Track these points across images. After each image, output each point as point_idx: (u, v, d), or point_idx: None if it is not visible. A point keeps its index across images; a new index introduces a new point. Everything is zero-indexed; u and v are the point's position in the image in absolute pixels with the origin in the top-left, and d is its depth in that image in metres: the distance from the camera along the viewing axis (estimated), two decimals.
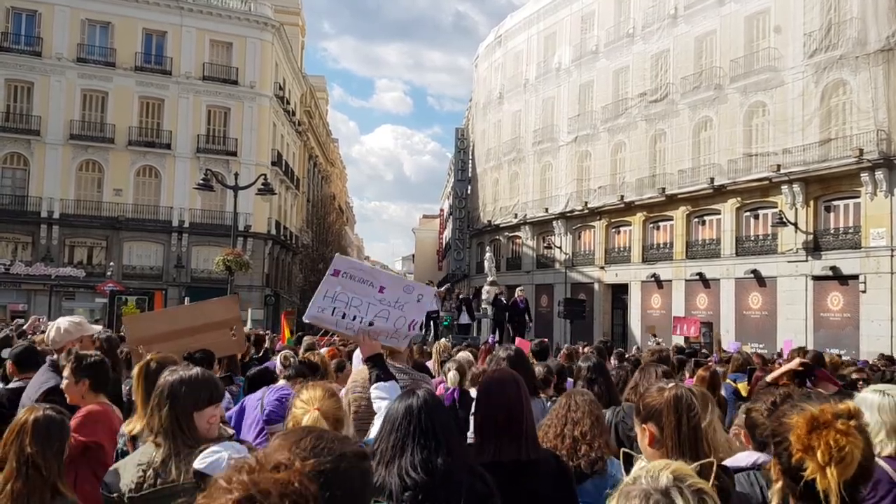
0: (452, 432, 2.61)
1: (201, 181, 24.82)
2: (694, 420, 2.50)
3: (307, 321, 3.98)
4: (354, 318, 3.79)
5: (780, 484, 1.98)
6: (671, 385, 2.53)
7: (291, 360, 6.94)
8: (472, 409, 3.35)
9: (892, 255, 25.84)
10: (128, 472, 2.84)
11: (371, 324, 3.80)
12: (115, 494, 2.79)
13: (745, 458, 3.02)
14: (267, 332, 17.34)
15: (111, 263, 40.12)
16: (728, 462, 2.83)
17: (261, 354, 10.22)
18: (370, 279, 3.85)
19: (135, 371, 3.80)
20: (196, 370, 3.08)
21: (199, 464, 2.70)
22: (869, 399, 3.24)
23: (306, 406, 3.00)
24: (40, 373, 4.60)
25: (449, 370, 6.11)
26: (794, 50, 29.16)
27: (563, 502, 2.98)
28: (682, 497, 1.55)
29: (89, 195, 41.69)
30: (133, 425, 3.58)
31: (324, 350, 7.59)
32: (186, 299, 31.30)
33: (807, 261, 28.45)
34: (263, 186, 25.15)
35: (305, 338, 10.05)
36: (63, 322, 4.79)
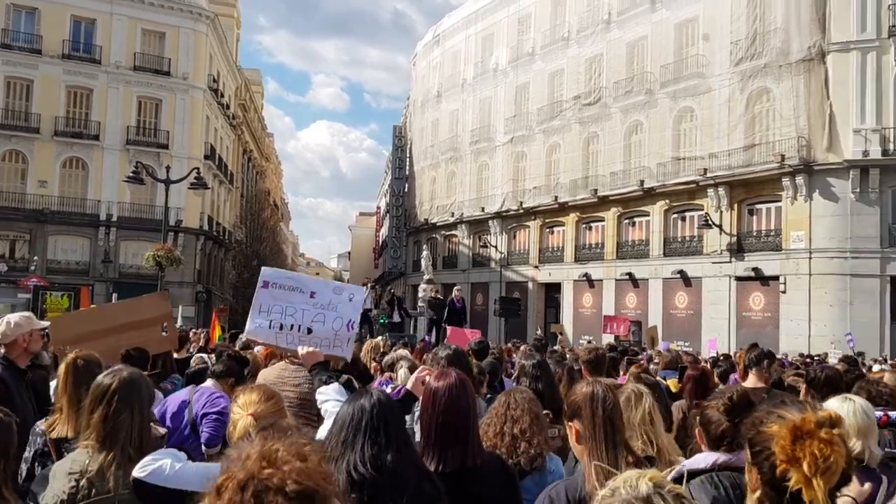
0: (403, 432, 2.60)
1: (131, 174, 24.38)
2: (609, 411, 2.65)
3: (246, 338, 3.99)
4: (292, 326, 3.80)
5: (757, 493, 1.92)
6: (589, 381, 2.66)
7: (207, 360, 6.90)
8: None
9: (810, 258, 27.01)
10: (57, 480, 2.67)
11: (310, 330, 3.82)
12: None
13: (703, 459, 2.97)
14: (200, 329, 17.07)
15: (35, 257, 38.77)
16: (687, 464, 2.88)
17: (187, 354, 10.04)
18: (299, 286, 3.87)
19: (61, 369, 3.67)
20: (134, 371, 2.97)
21: (139, 472, 2.57)
22: (835, 407, 3.51)
23: (241, 411, 2.97)
24: None
25: (401, 367, 6.18)
26: (721, 58, 30.16)
27: (507, 503, 3.02)
28: (664, 502, 1.58)
29: (12, 186, 40.13)
30: (57, 427, 3.41)
31: (259, 349, 7.56)
32: (114, 295, 30.52)
33: (730, 262, 29.48)
34: (196, 180, 24.73)
35: (242, 335, 9.95)
36: (13, 316, 4.72)
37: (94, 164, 41.54)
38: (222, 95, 50.62)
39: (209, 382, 5.33)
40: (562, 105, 37.98)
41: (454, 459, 2.86)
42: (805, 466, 1.68)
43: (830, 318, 26.39)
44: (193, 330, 16.68)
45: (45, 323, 5.00)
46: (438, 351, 5.21)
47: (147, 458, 2.61)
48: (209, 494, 1.30)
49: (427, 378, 3.19)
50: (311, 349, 3.75)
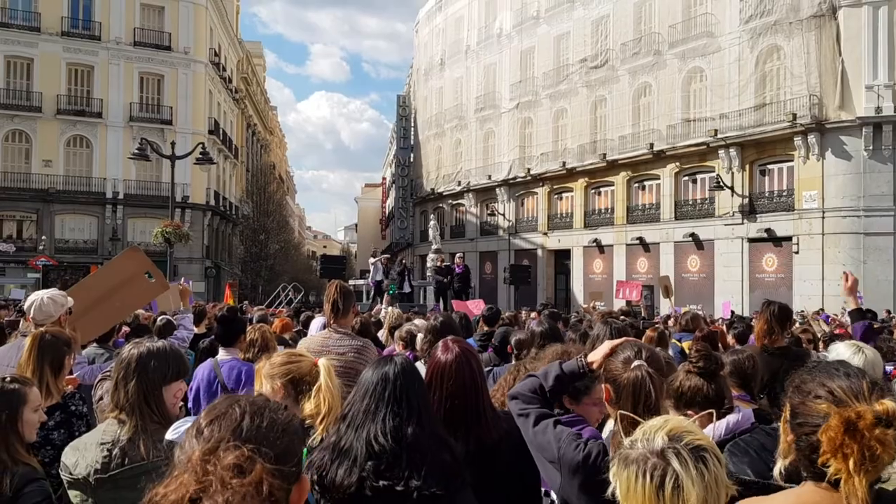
0: (426, 403, 2.57)
1: (136, 150, 24.11)
2: (650, 406, 2.46)
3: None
4: None
5: (790, 458, 1.85)
6: (636, 364, 2.49)
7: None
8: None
9: (822, 217, 26.74)
10: (89, 451, 2.71)
11: None
12: (77, 476, 2.66)
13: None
14: (213, 303, 16.99)
15: (43, 237, 38.78)
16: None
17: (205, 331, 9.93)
18: None
19: (27, 341, 3.61)
20: (162, 343, 2.96)
21: (171, 435, 2.58)
22: (846, 354, 3.38)
23: (301, 357, 3.07)
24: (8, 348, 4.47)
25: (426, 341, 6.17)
26: (731, 15, 29.63)
27: (528, 469, 2.95)
28: (678, 459, 1.55)
29: (17, 167, 40.08)
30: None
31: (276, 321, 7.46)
32: None
33: (743, 223, 29.22)
34: (202, 156, 24.50)
35: (256, 307, 9.88)
36: (46, 293, 4.61)
37: (99, 142, 41.38)
38: (224, 69, 50.22)
39: (223, 353, 5.23)
40: (568, 69, 37.50)
41: (470, 441, 2.81)
42: (851, 463, 1.58)
43: None
44: (212, 304, 16.57)
45: (72, 300, 4.87)
46: (430, 321, 5.13)
47: (179, 422, 2.64)
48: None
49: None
50: None
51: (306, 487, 1.46)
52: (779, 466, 1.94)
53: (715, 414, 2.77)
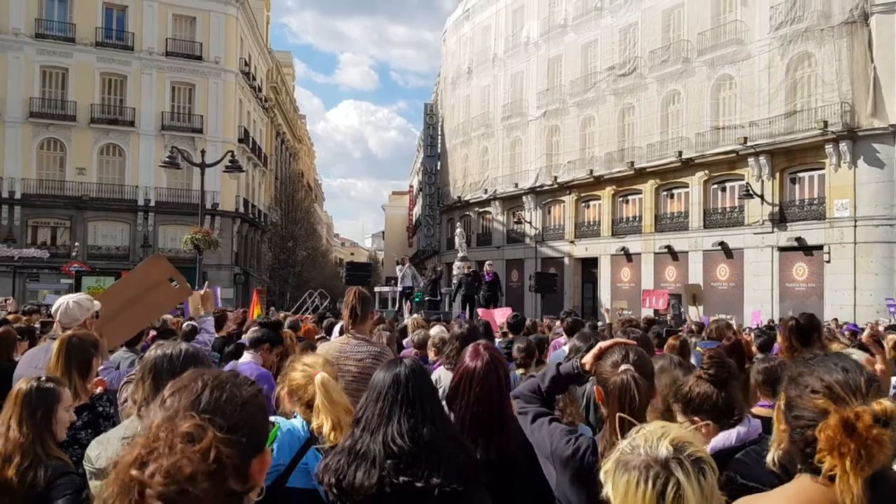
0: (438, 403, 2.60)
1: (167, 159, 24.35)
2: (634, 410, 2.50)
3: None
4: None
5: (783, 445, 1.86)
6: (622, 368, 2.53)
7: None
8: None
9: (855, 226, 26.34)
10: (111, 445, 2.82)
11: None
12: (98, 467, 2.77)
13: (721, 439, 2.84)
14: (240, 309, 17.19)
15: (76, 244, 39.46)
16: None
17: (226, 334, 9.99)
18: None
19: (55, 345, 3.70)
20: (182, 345, 3.04)
21: None
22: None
23: (310, 369, 3.01)
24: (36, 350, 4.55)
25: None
26: (761, 22, 29.37)
27: (539, 479, 2.96)
28: (682, 469, 1.55)
29: (51, 174, 40.83)
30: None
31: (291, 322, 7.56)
32: None
33: (773, 232, 28.89)
34: (231, 164, 24.73)
35: (283, 313, 9.98)
36: (72, 297, 4.70)
37: (131, 150, 42.05)
38: (254, 78, 50.78)
39: (247, 355, 5.34)
40: (596, 77, 37.40)
41: (491, 449, 2.86)
42: (848, 462, 1.59)
43: (876, 286, 25.77)
44: (241, 309, 16.81)
45: (98, 304, 4.96)
46: (454, 329, 5.11)
47: None
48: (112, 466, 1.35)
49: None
50: None
51: (268, 461, 1.49)
52: (771, 455, 1.95)
53: (713, 424, 2.80)
